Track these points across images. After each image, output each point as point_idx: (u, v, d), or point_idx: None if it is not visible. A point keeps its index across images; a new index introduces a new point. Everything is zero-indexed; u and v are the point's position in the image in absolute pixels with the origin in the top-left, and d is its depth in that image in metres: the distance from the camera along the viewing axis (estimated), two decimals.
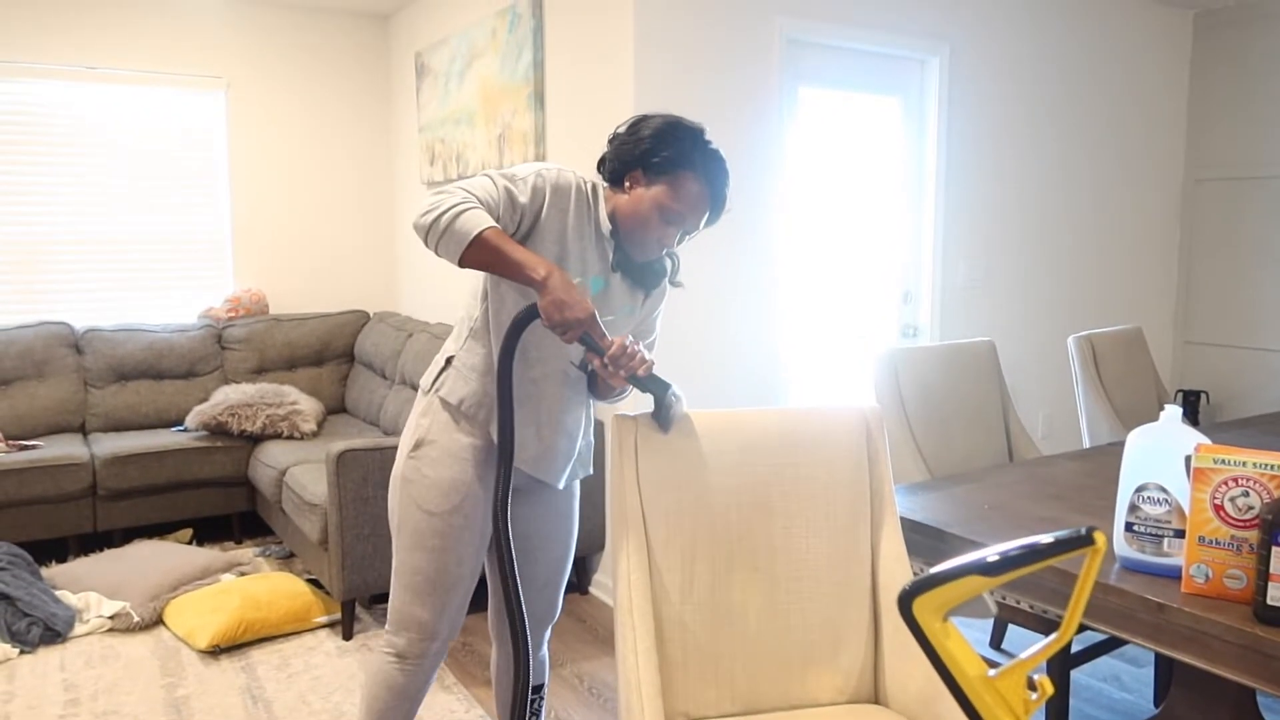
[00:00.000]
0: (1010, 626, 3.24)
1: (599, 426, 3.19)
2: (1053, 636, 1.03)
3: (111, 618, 3.35)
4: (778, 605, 1.81)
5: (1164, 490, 1.65)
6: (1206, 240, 5.00)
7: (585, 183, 1.83)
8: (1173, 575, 1.65)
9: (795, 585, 1.82)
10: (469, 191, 1.70)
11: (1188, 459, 1.59)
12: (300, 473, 3.64)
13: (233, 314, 4.92)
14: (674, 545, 1.77)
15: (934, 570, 1.03)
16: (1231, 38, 4.83)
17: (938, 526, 1.97)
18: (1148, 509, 1.67)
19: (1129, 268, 4.90)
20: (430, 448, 1.85)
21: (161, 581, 3.48)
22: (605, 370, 1.70)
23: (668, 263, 1.93)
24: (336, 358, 5.04)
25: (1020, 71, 4.33)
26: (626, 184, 1.80)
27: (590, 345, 1.67)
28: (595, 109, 3.51)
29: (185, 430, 4.35)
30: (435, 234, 1.65)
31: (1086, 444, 3.36)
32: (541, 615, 2.06)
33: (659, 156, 1.75)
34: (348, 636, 3.28)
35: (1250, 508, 1.52)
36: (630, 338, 1.70)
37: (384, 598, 3.63)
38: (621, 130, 1.83)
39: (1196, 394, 4.86)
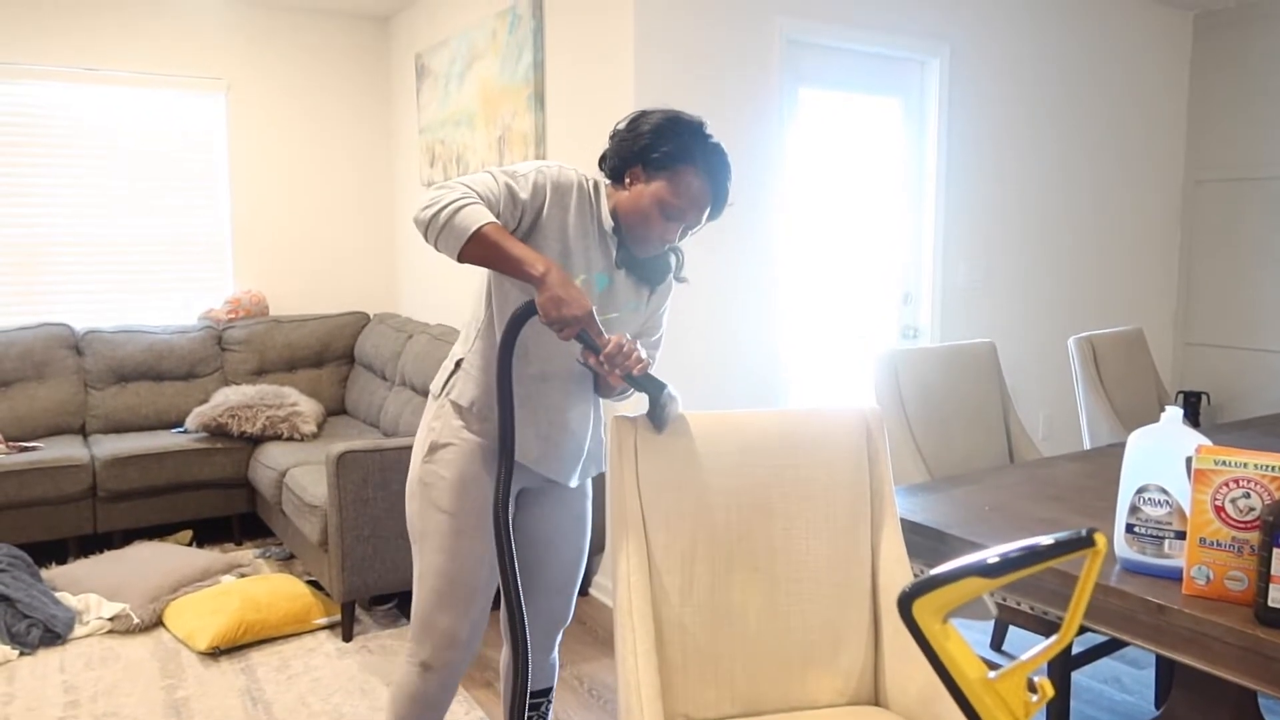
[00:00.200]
0: (1011, 628, 3.23)
1: None
2: (1053, 638, 1.03)
3: (111, 619, 3.35)
4: (778, 606, 1.80)
5: (1165, 492, 1.65)
6: (1207, 241, 4.99)
7: (587, 180, 1.82)
8: (1173, 577, 1.64)
9: (795, 587, 1.81)
10: (470, 187, 1.69)
11: (1188, 460, 1.59)
12: (300, 474, 3.64)
13: (233, 315, 4.92)
14: (674, 547, 1.77)
15: (934, 572, 1.03)
16: (1231, 39, 4.83)
17: (938, 528, 1.96)
18: (1148, 510, 1.67)
19: (1129, 269, 4.90)
20: (445, 450, 1.85)
21: (161, 583, 3.48)
22: (601, 368, 1.70)
23: (672, 258, 1.92)
24: (336, 359, 5.04)
25: (1020, 72, 4.33)
26: (627, 180, 1.80)
27: (587, 343, 1.66)
28: (595, 110, 3.51)
29: (185, 432, 4.35)
30: (435, 228, 1.65)
31: (1087, 445, 3.35)
32: (556, 618, 2.05)
33: (659, 152, 1.74)
34: (348, 638, 3.28)
35: (1251, 509, 1.52)
36: (627, 336, 1.70)
37: (383, 599, 3.63)
38: (622, 126, 1.82)
39: (1197, 395, 4.85)
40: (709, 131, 1.79)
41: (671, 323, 3.44)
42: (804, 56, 3.71)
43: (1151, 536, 1.66)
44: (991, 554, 1.02)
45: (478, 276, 1.90)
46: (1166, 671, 2.79)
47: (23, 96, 4.54)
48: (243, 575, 3.68)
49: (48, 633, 3.23)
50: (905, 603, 1.03)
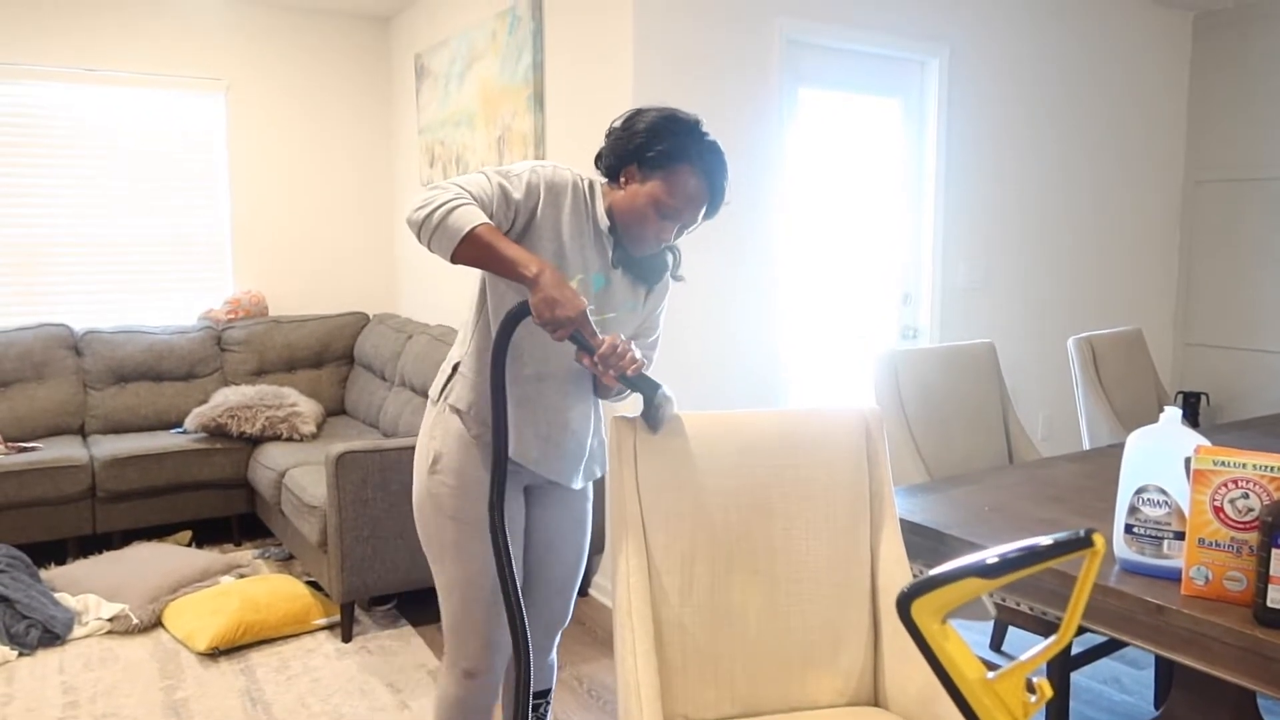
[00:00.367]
0: (1010, 628, 3.23)
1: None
2: (1052, 639, 1.03)
3: (110, 620, 3.35)
4: (777, 607, 1.80)
5: (1164, 492, 1.65)
6: (1206, 242, 4.99)
7: (582, 180, 1.81)
8: (1172, 577, 1.64)
9: (795, 587, 1.81)
10: (463, 187, 1.68)
11: (1187, 461, 1.59)
12: (299, 475, 3.64)
13: (232, 316, 4.92)
14: (673, 547, 1.77)
15: (933, 572, 1.03)
16: (1231, 39, 4.83)
17: (937, 528, 1.96)
18: (1147, 511, 1.67)
19: (1129, 269, 4.90)
20: (449, 459, 1.84)
21: (161, 584, 3.48)
22: (596, 369, 1.68)
23: (669, 257, 1.91)
24: (336, 359, 5.04)
25: (1020, 73, 4.33)
26: (622, 179, 1.78)
27: (581, 344, 1.65)
28: (595, 110, 3.51)
29: (184, 432, 4.34)
30: (428, 229, 1.63)
31: (1086, 445, 3.35)
32: (555, 620, 2.05)
33: (654, 151, 1.73)
34: (347, 639, 3.28)
35: (1250, 510, 1.52)
36: (621, 336, 1.69)
37: (383, 599, 3.63)
38: (617, 124, 1.80)
39: (1196, 395, 4.85)
40: (705, 129, 1.78)
41: (671, 323, 3.44)
42: (804, 57, 3.71)
43: (1150, 537, 1.66)
44: (990, 554, 1.02)
45: (475, 278, 1.89)
46: (1166, 672, 2.79)
47: (23, 96, 4.54)
48: (242, 576, 3.68)
49: (47, 633, 3.23)
50: (904, 603, 1.03)
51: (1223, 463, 1.53)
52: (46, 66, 4.55)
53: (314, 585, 3.61)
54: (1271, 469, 1.50)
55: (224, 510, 4.30)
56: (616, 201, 1.79)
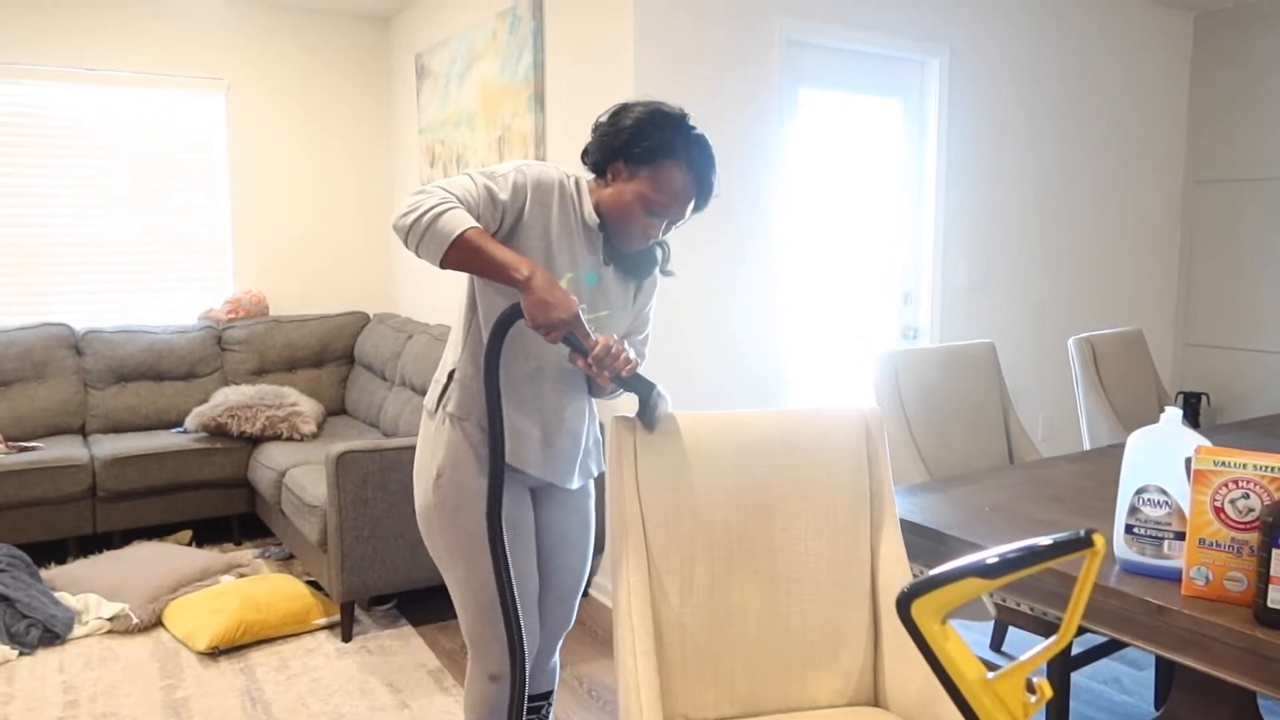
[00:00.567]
0: (1010, 629, 3.23)
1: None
2: (1052, 639, 1.03)
3: (110, 619, 3.35)
4: (777, 607, 1.80)
5: (1164, 492, 1.64)
6: (1206, 242, 4.99)
7: (569, 178, 1.79)
8: (1173, 577, 1.64)
9: (795, 587, 1.81)
10: (449, 191, 1.66)
11: (1188, 461, 1.59)
12: (300, 474, 3.64)
13: (233, 315, 4.92)
14: (673, 547, 1.77)
15: (933, 572, 1.03)
16: (1232, 39, 4.83)
17: (937, 528, 1.96)
18: (1148, 511, 1.67)
19: (1129, 269, 4.90)
20: (452, 471, 1.83)
21: (161, 583, 3.48)
22: (590, 370, 1.67)
23: (658, 252, 1.89)
24: (336, 359, 5.04)
25: (1020, 72, 4.33)
26: (609, 175, 1.77)
27: (574, 345, 1.64)
28: (595, 110, 3.49)
29: (185, 432, 4.35)
30: (416, 235, 1.61)
31: (1087, 446, 3.35)
32: (560, 624, 2.04)
33: (640, 147, 1.71)
34: (347, 639, 3.28)
35: (1250, 510, 1.52)
36: (615, 336, 1.68)
37: (383, 599, 3.63)
38: (603, 119, 1.78)
39: (1197, 396, 4.85)
40: (693, 123, 1.76)
41: (671, 322, 3.45)
42: (804, 57, 3.71)
43: (1151, 537, 1.66)
44: (990, 555, 1.02)
45: (466, 280, 1.87)
46: (1166, 672, 2.78)
47: (23, 96, 4.54)
48: (242, 575, 3.68)
49: (47, 633, 3.23)
50: (904, 603, 1.03)
51: (1223, 463, 1.53)
52: (46, 66, 4.55)
53: (314, 585, 3.61)
54: (1272, 469, 1.50)
55: (224, 510, 4.30)
56: (604, 198, 1.77)
